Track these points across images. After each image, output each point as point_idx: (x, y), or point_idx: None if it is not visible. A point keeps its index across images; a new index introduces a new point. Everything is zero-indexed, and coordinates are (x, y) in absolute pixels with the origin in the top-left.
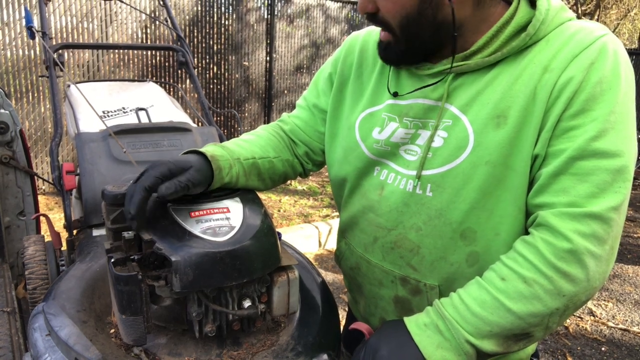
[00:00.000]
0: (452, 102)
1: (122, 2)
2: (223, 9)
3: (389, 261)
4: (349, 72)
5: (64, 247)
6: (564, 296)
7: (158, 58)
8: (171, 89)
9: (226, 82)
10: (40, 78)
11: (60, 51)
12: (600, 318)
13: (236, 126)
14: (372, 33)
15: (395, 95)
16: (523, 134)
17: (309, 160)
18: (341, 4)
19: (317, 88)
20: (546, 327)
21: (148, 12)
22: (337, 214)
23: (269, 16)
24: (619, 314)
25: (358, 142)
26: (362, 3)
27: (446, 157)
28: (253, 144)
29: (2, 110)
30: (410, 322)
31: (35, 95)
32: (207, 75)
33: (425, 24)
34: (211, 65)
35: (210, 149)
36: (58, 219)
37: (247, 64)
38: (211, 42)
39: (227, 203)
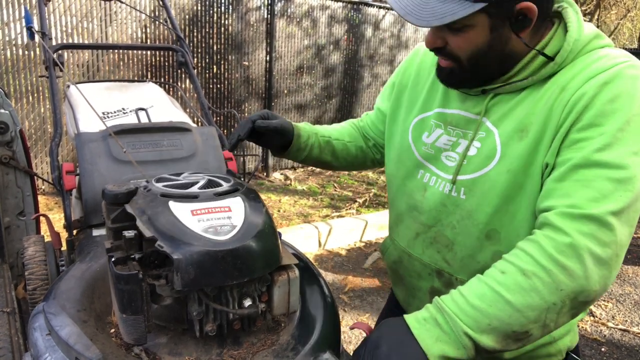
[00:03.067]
0: (488, 117)
1: (122, 2)
2: (223, 8)
3: (428, 255)
4: (407, 82)
5: (64, 247)
6: (561, 290)
7: (158, 58)
8: (171, 89)
9: (226, 82)
10: (40, 78)
11: (60, 51)
12: (600, 318)
13: (236, 126)
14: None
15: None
16: (540, 146)
17: (377, 151)
18: (342, 4)
19: (384, 93)
20: (544, 324)
21: (148, 12)
22: (337, 214)
23: (269, 16)
24: (619, 314)
25: (410, 144)
26: (431, 39)
27: (477, 164)
28: (334, 128)
29: (2, 110)
30: (410, 317)
31: (35, 95)
32: (207, 75)
33: (493, 56)
34: (211, 65)
35: (297, 123)
36: (58, 219)
37: (247, 63)
38: (211, 42)
39: (228, 202)
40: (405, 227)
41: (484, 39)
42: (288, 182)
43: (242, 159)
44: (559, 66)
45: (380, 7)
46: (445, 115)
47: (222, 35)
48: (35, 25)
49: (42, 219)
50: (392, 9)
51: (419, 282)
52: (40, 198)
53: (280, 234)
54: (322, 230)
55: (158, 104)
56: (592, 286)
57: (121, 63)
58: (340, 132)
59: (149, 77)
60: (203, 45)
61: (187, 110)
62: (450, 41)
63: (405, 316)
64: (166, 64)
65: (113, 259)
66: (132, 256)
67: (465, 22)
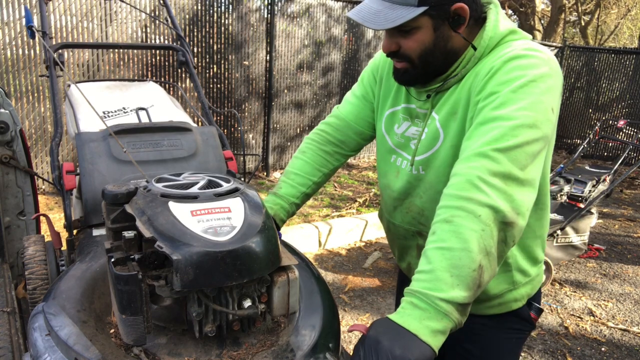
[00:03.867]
0: (434, 108)
1: (122, 1)
2: (223, 8)
3: (406, 222)
4: (382, 75)
5: (64, 247)
6: (480, 216)
7: (158, 57)
8: (171, 89)
9: (226, 82)
10: (40, 78)
11: (60, 51)
12: (600, 318)
13: (236, 125)
14: None
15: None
16: (466, 121)
17: (357, 143)
18: (342, 3)
19: (365, 84)
20: (487, 252)
21: (148, 12)
22: (337, 214)
23: (269, 15)
24: (619, 314)
25: (384, 133)
26: (387, 45)
27: (427, 145)
28: (301, 175)
29: (2, 110)
30: (391, 315)
31: (35, 94)
32: (207, 74)
33: (438, 53)
34: (211, 65)
35: (270, 206)
36: (58, 218)
37: (247, 63)
38: (211, 42)
39: (228, 202)
40: (385, 201)
41: (430, 38)
42: None
43: (242, 158)
44: (478, 59)
45: None
46: (410, 109)
47: (222, 35)
48: (36, 25)
49: (42, 218)
50: None
51: (406, 241)
52: (41, 198)
53: (280, 234)
54: (322, 230)
55: (158, 104)
56: (499, 206)
57: (121, 62)
58: (308, 173)
59: (150, 76)
60: (203, 44)
61: (188, 109)
62: (402, 44)
63: (388, 316)
64: (166, 63)
65: (112, 260)
66: (132, 257)
67: (412, 24)
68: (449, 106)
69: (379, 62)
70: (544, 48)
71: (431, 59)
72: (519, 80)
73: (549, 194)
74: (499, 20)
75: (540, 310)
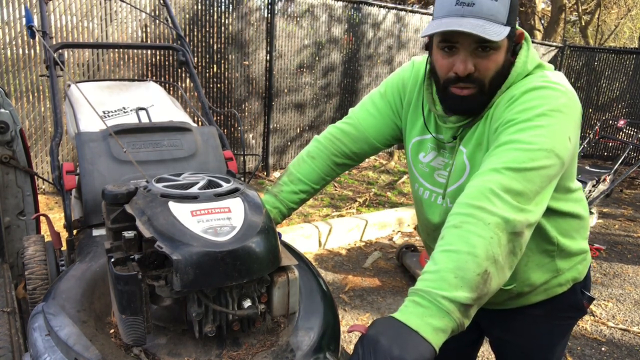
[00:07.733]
0: (461, 142)
1: (123, 1)
2: (223, 7)
3: None
4: (410, 99)
5: (64, 247)
6: (489, 224)
7: (158, 57)
8: (171, 88)
9: (226, 82)
10: (40, 77)
11: (60, 50)
12: (600, 318)
13: (236, 125)
14: (414, 64)
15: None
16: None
17: (365, 157)
18: (342, 3)
19: (389, 100)
20: (494, 260)
21: (148, 11)
22: (337, 213)
23: (269, 15)
24: (619, 313)
25: (410, 160)
26: (467, 66)
27: (455, 177)
28: (305, 182)
29: (2, 110)
30: (395, 313)
31: (35, 94)
32: (207, 74)
33: (502, 77)
34: (211, 65)
35: (269, 208)
36: (58, 218)
37: (247, 63)
38: (211, 41)
39: (228, 203)
40: (420, 226)
41: (503, 59)
42: None
43: (242, 158)
44: (502, 92)
45: (380, 7)
46: (439, 140)
47: (222, 35)
48: (36, 24)
49: (42, 218)
50: (391, 9)
51: None
52: (41, 198)
53: (280, 234)
54: (322, 230)
55: (158, 104)
56: (508, 216)
57: (122, 62)
58: (312, 180)
59: (150, 76)
60: (203, 44)
61: (188, 109)
62: (479, 65)
63: (391, 314)
64: (167, 63)
65: (112, 260)
66: (132, 257)
67: (500, 42)
68: (475, 139)
69: (407, 82)
70: (563, 80)
71: (497, 82)
72: (538, 109)
73: (581, 188)
74: (528, 57)
75: (592, 299)
